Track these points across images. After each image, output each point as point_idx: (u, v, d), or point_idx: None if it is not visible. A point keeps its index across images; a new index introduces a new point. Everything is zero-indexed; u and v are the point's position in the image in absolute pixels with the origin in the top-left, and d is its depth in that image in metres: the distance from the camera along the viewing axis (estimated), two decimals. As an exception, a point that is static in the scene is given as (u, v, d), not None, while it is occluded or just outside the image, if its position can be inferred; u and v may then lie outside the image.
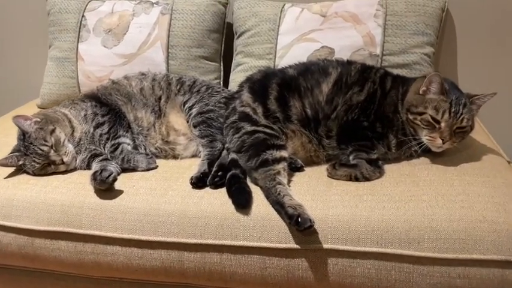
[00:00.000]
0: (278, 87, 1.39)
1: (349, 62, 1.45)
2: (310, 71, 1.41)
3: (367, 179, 1.24)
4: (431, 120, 1.26)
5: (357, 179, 1.24)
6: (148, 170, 1.37)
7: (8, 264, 1.35)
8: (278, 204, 1.15)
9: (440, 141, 1.25)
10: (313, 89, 1.38)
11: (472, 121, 1.29)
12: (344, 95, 1.36)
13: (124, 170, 1.36)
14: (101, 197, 1.26)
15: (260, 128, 1.32)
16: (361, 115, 1.33)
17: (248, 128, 1.33)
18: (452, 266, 1.06)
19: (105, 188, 1.26)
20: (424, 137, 1.28)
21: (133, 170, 1.37)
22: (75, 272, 1.30)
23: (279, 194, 1.16)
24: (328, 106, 1.36)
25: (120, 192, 1.27)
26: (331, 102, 1.36)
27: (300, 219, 1.09)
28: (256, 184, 1.24)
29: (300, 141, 1.36)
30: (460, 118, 1.25)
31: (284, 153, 1.27)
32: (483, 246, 1.05)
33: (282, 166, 1.23)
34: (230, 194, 1.21)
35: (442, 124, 1.25)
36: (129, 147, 1.43)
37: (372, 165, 1.25)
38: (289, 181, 1.24)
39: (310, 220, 1.08)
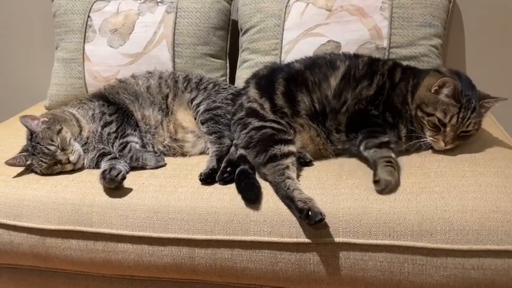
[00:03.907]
0: (285, 81, 1.38)
1: (356, 56, 1.44)
2: (317, 65, 1.40)
3: None
4: (437, 123, 1.25)
5: None
6: (157, 168, 1.37)
7: (20, 264, 1.36)
8: (288, 199, 1.14)
9: (443, 144, 1.26)
10: (320, 83, 1.37)
11: (478, 124, 1.27)
12: (353, 89, 1.34)
13: (133, 169, 1.36)
14: (111, 196, 1.26)
15: (268, 123, 1.31)
16: (370, 105, 1.31)
17: (255, 123, 1.33)
18: (466, 257, 1.05)
19: (115, 187, 1.26)
20: (429, 137, 1.28)
21: (142, 168, 1.37)
22: (86, 270, 1.31)
23: (288, 188, 1.15)
24: (336, 100, 1.34)
25: (130, 190, 1.27)
26: (340, 97, 1.34)
27: (310, 213, 1.08)
28: (266, 179, 1.24)
29: (309, 134, 1.35)
30: (467, 123, 1.24)
31: (292, 148, 1.26)
32: (497, 237, 1.04)
33: (290, 161, 1.23)
34: (239, 190, 1.21)
35: (448, 128, 1.25)
36: (138, 146, 1.43)
37: (383, 148, 1.23)
38: (298, 175, 1.23)
39: (320, 213, 1.08)
